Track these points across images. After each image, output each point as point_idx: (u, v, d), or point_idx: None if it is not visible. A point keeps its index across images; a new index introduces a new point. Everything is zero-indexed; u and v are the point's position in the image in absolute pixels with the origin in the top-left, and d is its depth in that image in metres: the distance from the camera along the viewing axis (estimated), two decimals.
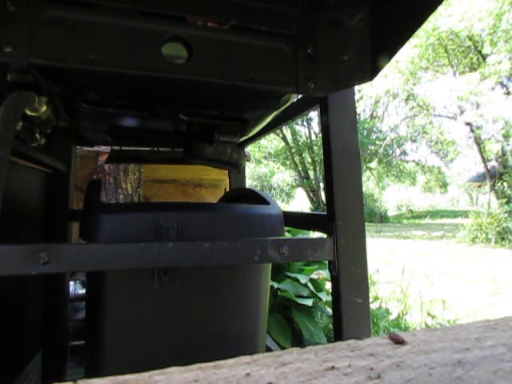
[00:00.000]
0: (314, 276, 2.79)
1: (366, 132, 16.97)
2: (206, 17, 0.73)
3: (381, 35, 0.75)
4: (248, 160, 3.60)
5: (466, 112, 11.06)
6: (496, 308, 4.13)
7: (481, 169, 13.89)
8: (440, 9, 8.14)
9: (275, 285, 2.53)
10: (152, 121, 1.12)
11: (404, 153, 18.15)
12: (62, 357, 1.57)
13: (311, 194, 18.56)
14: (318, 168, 17.64)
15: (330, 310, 2.80)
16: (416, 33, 0.68)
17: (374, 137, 17.71)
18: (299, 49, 0.79)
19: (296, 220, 1.20)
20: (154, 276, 0.91)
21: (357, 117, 0.97)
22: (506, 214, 9.81)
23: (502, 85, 10.99)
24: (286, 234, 2.64)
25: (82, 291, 1.90)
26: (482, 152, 11.70)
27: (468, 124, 11.46)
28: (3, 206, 0.60)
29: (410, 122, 14.76)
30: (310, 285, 2.65)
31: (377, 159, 16.73)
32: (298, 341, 2.55)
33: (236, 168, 1.35)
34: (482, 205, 13.33)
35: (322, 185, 17.35)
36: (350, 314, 0.86)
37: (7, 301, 1.16)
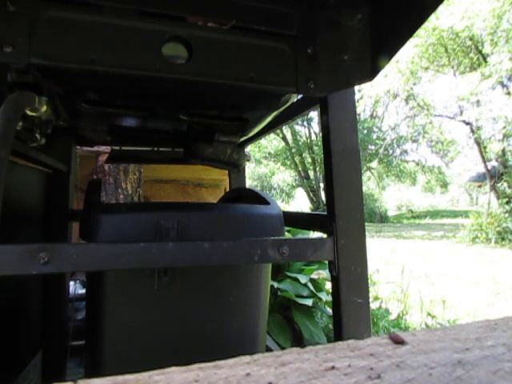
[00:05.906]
0: (313, 276, 2.79)
1: (366, 131, 16.95)
2: (206, 17, 0.73)
3: (381, 35, 0.75)
4: (248, 160, 3.60)
5: (465, 111, 11.05)
6: (496, 308, 4.13)
7: (481, 169, 13.87)
8: (441, 8, 8.11)
9: (275, 285, 2.53)
10: (152, 121, 1.12)
11: (404, 152, 18.14)
12: (62, 357, 1.57)
13: (311, 194, 18.54)
14: (317, 168, 17.62)
15: (330, 310, 2.80)
16: (416, 32, 0.68)
17: (374, 136, 17.69)
18: (299, 49, 0.79)
19: (296, 220, 1.20)
20: (153, 276, 0.91)
21: (357, 117, 0.97)
22: (507, 214, 9.81)
23: (503, 85, 10.98)
24: (286, 233, 2.64)
25: (82, 291, 1.90)
26: (482, 152, 11.69)
27: (468, 124, 11.44)
28: (3, 206, 0.60)
29: (410, 122, 14.74)
30: (310, 285, 2.65)
31: (377, 159, 16.72)
32: (298, 341, 2.55)
33: (236, 168, 1.35)
34: (482, 205, 13.34)
35: (322, 185, 17.34)
36: (350, 314, 0.86)
37: (7, 301, 1.16)
